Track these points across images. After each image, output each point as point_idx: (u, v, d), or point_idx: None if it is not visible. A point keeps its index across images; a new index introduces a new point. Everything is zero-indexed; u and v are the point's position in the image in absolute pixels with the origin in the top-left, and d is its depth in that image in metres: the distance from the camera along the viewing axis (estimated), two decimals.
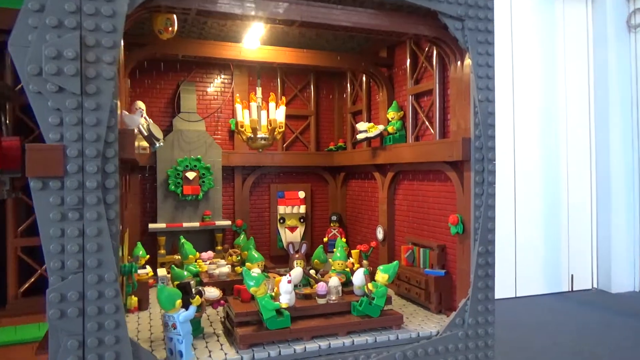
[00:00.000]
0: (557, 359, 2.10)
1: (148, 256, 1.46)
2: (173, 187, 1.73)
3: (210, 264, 1.57)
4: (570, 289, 3.36)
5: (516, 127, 3.25)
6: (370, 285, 1.18)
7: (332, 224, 2.00)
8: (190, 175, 1.74)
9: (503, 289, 3.13)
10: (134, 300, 0.97)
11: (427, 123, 1.53)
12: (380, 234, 1.72)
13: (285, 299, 1.09)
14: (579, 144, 3.44)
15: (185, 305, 1.00)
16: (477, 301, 1.22)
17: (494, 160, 1.24)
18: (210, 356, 1.02)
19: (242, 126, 1.61)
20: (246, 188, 1.93)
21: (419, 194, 1.57)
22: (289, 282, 1.09)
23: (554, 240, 3.37)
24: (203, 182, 1.77)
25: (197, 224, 1.76)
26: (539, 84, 3.33)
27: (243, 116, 1.61)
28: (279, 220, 1.97)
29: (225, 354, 1.03)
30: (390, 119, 1.65)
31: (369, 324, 1.18)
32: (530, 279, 3.26)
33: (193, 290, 1.04)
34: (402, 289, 1.50)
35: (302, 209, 2.00)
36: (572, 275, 3.39)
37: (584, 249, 3.44)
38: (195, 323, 1.13)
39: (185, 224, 1.74)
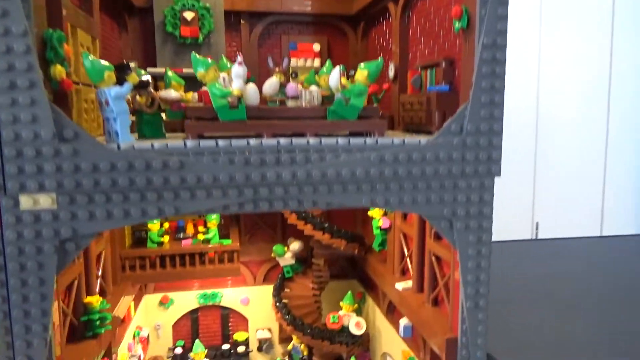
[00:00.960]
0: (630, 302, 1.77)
1: None
2: (170, 28, 1.62)
3: None
4: None
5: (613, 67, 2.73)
6: (343, 80, 1.01)
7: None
8: (188, 15, 1.62)
9: (585, 226, 2.71)
10: (59, 69, 0.88)
11: None
12: (391, 70, 1.51)
13: (237, 84, 0.96)
14: None
15: (121, 83, 0.90)
16: (480, 105, 1.01)
17: None
18: (152, 144, 0.92)
19: None
20: (254, 37, 1.78)
21: (431, 11, 1.33)
22: (240, 64, 0.95)
23: None
24: (202, 24, 1.64)
25: None
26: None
27: None
28: (292, 75, 1.81)
29: (168, 141, 0.93)
30: None
31: (343, 126, 1.02)
32: (620, 217, 2.80)
33: (133, 72, 0.93)
34: (406, 120, 1.32)
35: (317, 62, 1.83)
36: None
37: None
38: (155, 122, 1.04)
39: (185, 70, 1.64)
